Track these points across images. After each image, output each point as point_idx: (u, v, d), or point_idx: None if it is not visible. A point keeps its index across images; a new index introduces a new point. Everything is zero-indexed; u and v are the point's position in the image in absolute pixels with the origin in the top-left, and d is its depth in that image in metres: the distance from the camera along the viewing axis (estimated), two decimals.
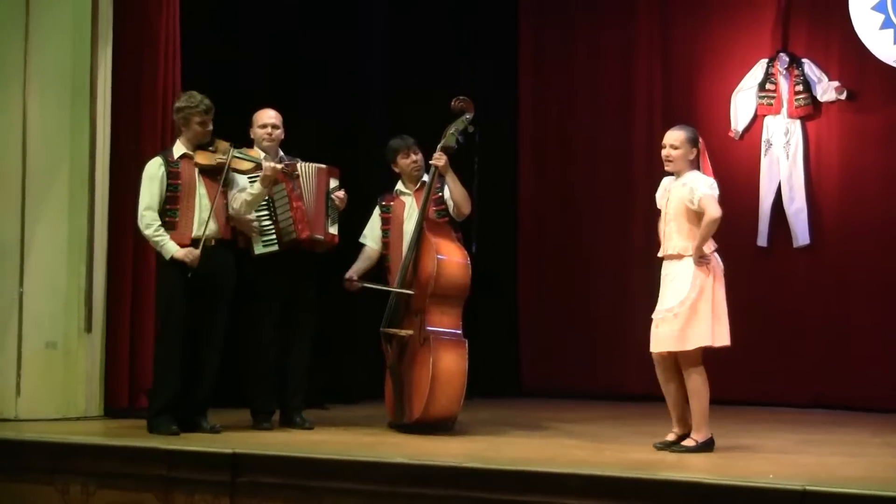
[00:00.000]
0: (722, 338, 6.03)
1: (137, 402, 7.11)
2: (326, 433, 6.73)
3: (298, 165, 6.88)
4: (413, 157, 7.00)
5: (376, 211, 7.11)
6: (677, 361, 6.00)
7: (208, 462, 5.63)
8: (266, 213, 6.83)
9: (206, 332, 6.49)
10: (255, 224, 6.79)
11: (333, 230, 6.94)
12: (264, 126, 6.93)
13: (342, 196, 6.95)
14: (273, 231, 6.82)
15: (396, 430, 6.75)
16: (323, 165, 6.96)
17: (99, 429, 6.83)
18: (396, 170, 7.08)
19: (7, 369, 7.00)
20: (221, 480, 5.54)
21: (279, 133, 6.95)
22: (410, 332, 6.69)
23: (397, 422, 6.79)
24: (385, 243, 7.04)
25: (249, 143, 6.94)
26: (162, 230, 6.39)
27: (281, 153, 6.98)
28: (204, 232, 6.40)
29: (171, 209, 6.42)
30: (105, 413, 7.21)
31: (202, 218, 6.43)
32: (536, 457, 5.85)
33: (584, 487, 5.01)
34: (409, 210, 6.97)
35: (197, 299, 6.44)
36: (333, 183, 6.98)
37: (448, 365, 6.55)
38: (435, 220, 6.89)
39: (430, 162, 6.84)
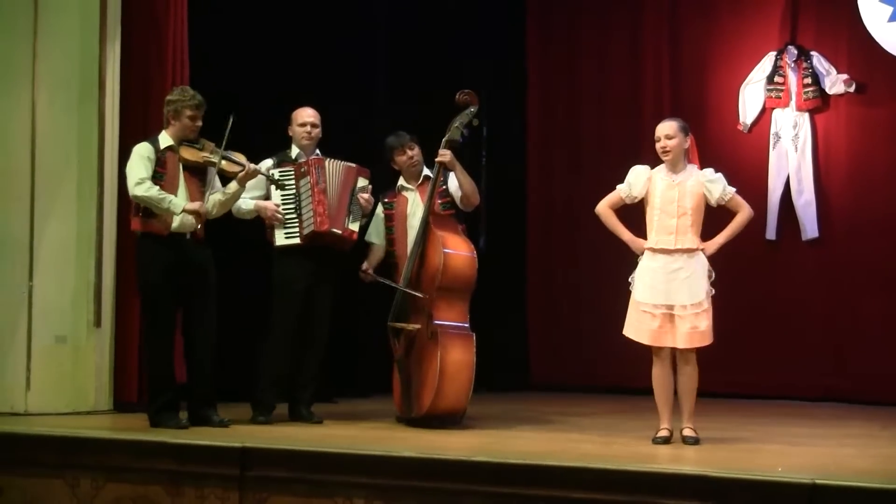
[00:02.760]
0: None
1: (146, 396, 7.11)
2: (335, 427, 6.74)
3: (326, 163, 6.90)
4: (409, 153, 7.01)
5: (379, 208, 7.12)
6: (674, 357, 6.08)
7: (217, 456, 5.63)
8: (292, 205, 6.85)
9: (198, 326, 6.49)
10: (280, 216, 6.81)
11: (353, 227, 6.95)
12: (304, 125, 6.97)
13: (368, 197, 6.98)
14: (296, 223, 6.84)
15: (405, 425, 6.75)
16: (353, 164, 6.99)
17: (108, 423, 6.85)
18: (395, 167, 7.09)
19: (17, 364, 7.02)
20: (231, 474, 5.55)
21: (318, 132, 7.00)
22: (418, 326, 6.69)
23: (405, 416, 6.80)
24: (390, 240, 7.06)
25: (277, 144, 6.99)
26: (164, 191, 6.33)
27: (318, 151, 7.00)
28: (204, 215, 6.40)
29: None
30: (114, 407, 7.23)
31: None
32: (545, 451, 5.85)
33: (594, 481, 5.01)
34: (413, 205, 6.97)
35: (182, 296, 6.43)
36: (362, 182, 7.01)
37: (456, 358, 6.55)
38: (440, 213, 6.89)
39: (436, 160, 6.84)
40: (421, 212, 6.86)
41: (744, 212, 6.14)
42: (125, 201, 7.23)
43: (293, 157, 6.97)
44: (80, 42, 7.23)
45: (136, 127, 7.34)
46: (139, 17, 7.41)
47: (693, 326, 5.99)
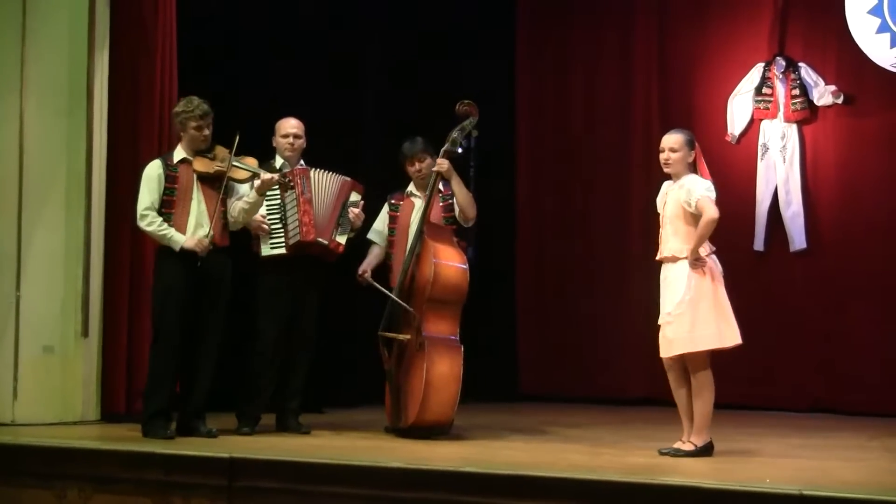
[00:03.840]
0: (732, 337, 6.03)
1: (134, 406, 7.10)
2: (323, 437, 6.73)
3: (311, 173, 6.90)
4: (418, 165, 7.00)
5: (385, 208, 7.13)
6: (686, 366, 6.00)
7: (205, 466, 5.63)
8: (277, 216, 6.85)
9: (203, 337, 6.50)
10: (265, 226, 6.81)
11: (340, 239, 6.95)
12: (286, 136, 6.97)
13: (358, 212, 6.97)
14: (282, 233, 6.84)
15: (393, 435, 6.74)
16: (347, 178, 7.00)
17: (96, 433, 6.83)
18: (408, 173, 7.10)
19: (4, 374, 6.99)
20: (218, 485, 5.54)
21: (301, 143, 6.99)
22: (408, 336, 6.69)
23: (394, 426, 6.79)
24: (390, 241, 7.07)
25: (268, 151, 6.99)
26: (165, 224, 6.42)
27: (302, 161, 7.00)
28: (209, 233, 6.41)
29: (167, 213, 6.46)
30: (102, 417, 7.21)
31: (198, 223, 6.45)
32: (534, 461, 5.85)
33: (582, 492, 5.01)
34: (417, 212, 6.97)
35: (194, 304, 6.45)
36: (355, 197, 7.01)
37: (442, 370, 6.54)
38: (437, 224, 6.88)
39: (433, 169, 6.84)
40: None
41: (704, 214, 5.92)
42: (113, 211, 7.24)
43: (277, 167, 6.96)
44: (69, 49, 7.23)
45: (125, 135, 7.35)
46: (128, 23, 7.39)
47: (668, 334, 5.95)
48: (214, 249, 6.50)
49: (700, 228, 5.93)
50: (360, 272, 7.03)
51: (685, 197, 6.00)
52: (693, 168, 6.11)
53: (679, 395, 6.03)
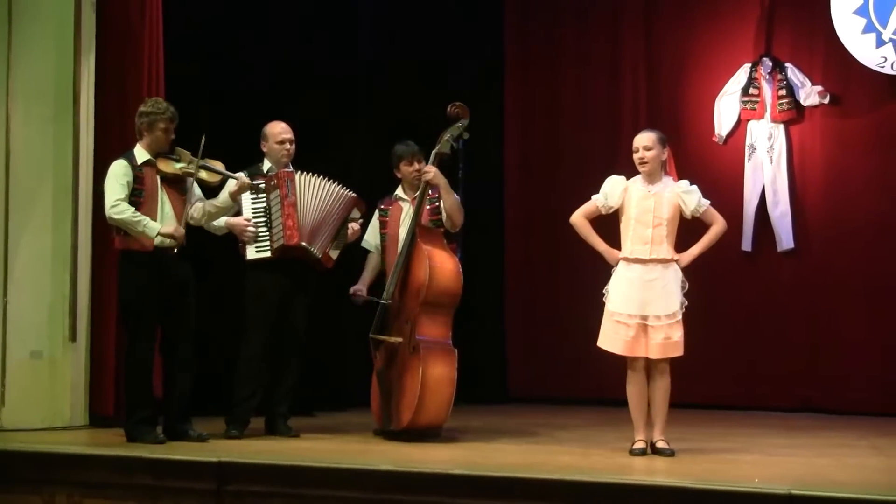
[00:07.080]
0: None
1: (123, 411, 7.08)
2: (313, 440, 6.73)
3: (297, 177, 6.88)
4: (416, 165, 7.00)
5: (375, 214, 7.13)
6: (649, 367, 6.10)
7: (194, 471, 5.61)
8: (263, 219, 6.84)
9: (178, 339, 6.46)
10: (251, 229, 6.80)
11: (333, 254, 6.95)
12: (282, 142, 6.94)
13: (357, 229, 6.98)
14: (267, 237, 6.83)
15: (383, 437, 6.74)
16: (353, 194, 7.00)
17: (84, 438, 6.81)
18: (398, 175, 7.09)
19: None
20: (208, 489, 5.53)
21: (294, 147, 6.97)
22: (400, 339, 6.67)
23: (384, 429, 6.78)
24: (383, 247, 7.06)
25: (255, 155, 6.97)
26: (139, 213, 6.29)
27: (289, 165, 6.99)
28: (183, 224, 6.37)
29: None
30: (90, 422, 7.19)
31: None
32: (524, 463, 5.86)
33: (572, 493, 5.02)
34: (406, 216, 6.97)
35: (164, 307, 6.39)
36: (355, 213, 7.03)
37: (438, 374, 6.53)
38: (428, 227, 6.88)
39: (422, 177, 6.82)
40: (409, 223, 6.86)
41: (718, 224, 6.18)
42: (100, 216, 7.21)
43: (265, 171, 6.95)
44: (55, 55, 7.21)
45: (112, 140, 7.30)
46: (114, 29, 7.37)
47: (666, 337, 6.01)
48: (178, 255, 6.41)
49: (713, 237, 6.15)
50: (352, 292, 7.02)
51: (694, 203, 6.12)
52: (664, 167, 6.17)
53: (642, 393, 6.09)
